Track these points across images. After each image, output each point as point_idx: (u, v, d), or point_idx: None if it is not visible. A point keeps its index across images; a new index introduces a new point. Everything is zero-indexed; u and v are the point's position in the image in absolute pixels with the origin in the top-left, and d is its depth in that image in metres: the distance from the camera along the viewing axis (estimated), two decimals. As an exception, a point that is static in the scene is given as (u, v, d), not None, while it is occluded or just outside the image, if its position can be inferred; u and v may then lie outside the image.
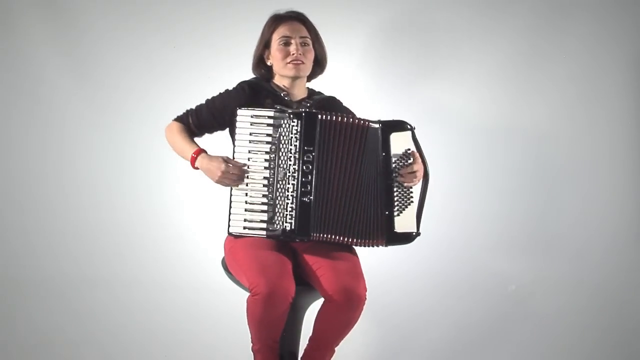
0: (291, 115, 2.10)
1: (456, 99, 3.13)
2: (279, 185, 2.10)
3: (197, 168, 2.18)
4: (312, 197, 2.08)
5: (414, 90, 3.13)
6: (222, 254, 2.31)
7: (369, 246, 2.14)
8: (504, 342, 2.86)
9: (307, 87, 2.38)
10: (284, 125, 2.11)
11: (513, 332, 2.91)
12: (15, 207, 3.20)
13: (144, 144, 3.10)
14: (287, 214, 2.08)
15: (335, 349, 2.18)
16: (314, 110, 2.13)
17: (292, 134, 2.09)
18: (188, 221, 3.17)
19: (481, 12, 3.10)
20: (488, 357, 2.80)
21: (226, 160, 2.12)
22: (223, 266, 2.30)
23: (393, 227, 2.12)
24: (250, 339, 2.13)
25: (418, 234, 2.16)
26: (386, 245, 2.14)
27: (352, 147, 2.11)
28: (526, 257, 3.15)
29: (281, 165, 2.10)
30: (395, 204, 2.13)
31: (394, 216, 2.13)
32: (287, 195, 2.08)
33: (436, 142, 3.06)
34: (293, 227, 2.08)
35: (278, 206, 2.10)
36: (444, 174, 3.06)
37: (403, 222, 2.13)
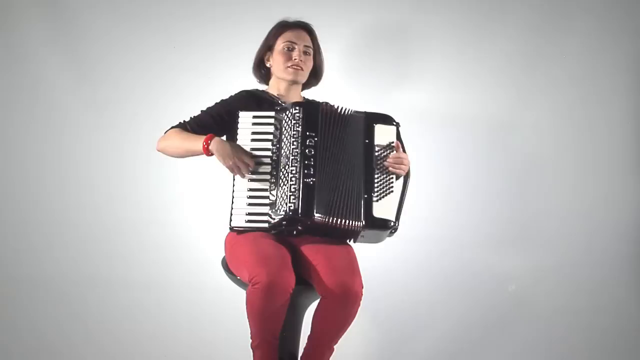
0: (293, 106, 2.16)
1: (457, 98, 3.14)
2: (280, 174, 2.13)
3: (211, 154, 2.16)
4: (314, 179, 2.10)
5: (414, 90, 3.13)
6: (222, 254, 2.31)
7: (348, 228, 2.12)
8: (504, 342, 2.86)
9: (303, 97, 2.44)
10: (285, 119, 2.16)
11: (513, 332, 2.90)
12: (15, 207, 3.20)
13: (144, 144, 3.08)
14: (290, 195, 2.09)
15: (334, 347, 2.17)
16: (314, 100, 2.21)
17: (294, 120, 2.14)
18: (188, 221, 3.17)
19: (481, 12, 3.10)
20: (488, 357, 2.80)
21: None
22: (223, 266, 2.30)
23: (372, 210, 2.14)
24: (249, 337, 2.13)
25: (396, 225, 2.16)
26: (363, 229, 2.13)
27: (344, 133, 2.17)
28: (526, 257, 3.15)
29: (284, 155, 2.13)
30: (375, 189, 2.16)
31: (372, 200, 2.14)
32: (290, 177, 2.11)
33: (437, 142, 3.08)
34: (296, 207, 2.08)
35: (281, 191, 2.11)
36: (444, 174, 3.08)
37: (381, 209, 2.15)
